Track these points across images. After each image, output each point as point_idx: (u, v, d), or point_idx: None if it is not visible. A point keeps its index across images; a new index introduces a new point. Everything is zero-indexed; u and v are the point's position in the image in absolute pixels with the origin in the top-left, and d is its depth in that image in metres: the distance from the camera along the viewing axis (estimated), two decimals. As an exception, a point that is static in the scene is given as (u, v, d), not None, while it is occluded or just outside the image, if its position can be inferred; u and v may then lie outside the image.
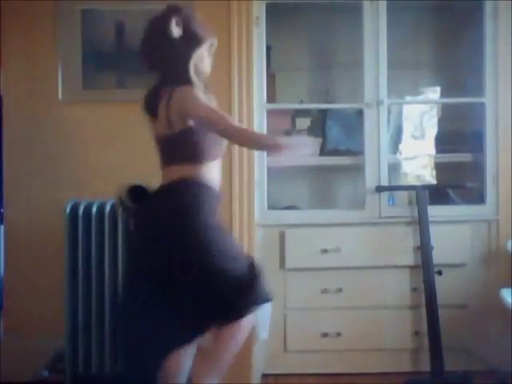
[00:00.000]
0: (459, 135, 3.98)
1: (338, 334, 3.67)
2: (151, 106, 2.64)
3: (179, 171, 2.58)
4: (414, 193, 3.72)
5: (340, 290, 3.68)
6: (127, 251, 3.33)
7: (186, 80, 2.59)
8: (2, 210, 3.80)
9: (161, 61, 2.65)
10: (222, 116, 2.52)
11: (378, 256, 3.68)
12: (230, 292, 2.48)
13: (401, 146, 4.19)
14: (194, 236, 2.51)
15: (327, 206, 4.02)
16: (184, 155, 2.58)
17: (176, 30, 2.60)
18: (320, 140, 3.91)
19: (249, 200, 3.66)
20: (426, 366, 3.59)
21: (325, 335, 3.66)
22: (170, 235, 2.51)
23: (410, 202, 3.84)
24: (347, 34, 4.01)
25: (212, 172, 2.63)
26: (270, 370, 3.60)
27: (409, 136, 4.30)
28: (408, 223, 3.71)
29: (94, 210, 3.45)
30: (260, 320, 2.75)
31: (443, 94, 4.21)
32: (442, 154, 4.02)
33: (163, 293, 2.51)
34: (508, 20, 3.67)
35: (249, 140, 2.60)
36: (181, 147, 2.59)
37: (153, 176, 3.71)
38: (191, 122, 2.55)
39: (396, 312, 3.71)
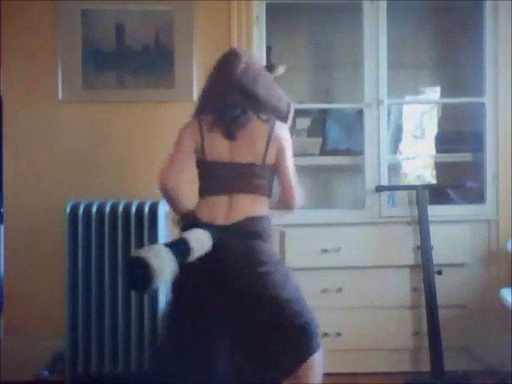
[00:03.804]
0: (459, 135, 3.98)
1: (338, 334, 3.67)
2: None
3: None
4: (414, 193, 3.72)
5: (340, 290, 3.68)
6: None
7: None
8: (2, 210, 3.80)
9: None
10: None
11: (378, 256, 3.68)
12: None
13: (401, 146, 4.19)
14: None
15: (327, 205, 4.01)
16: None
17: None
18: None
19: (249, 200, 3.65)
20: (426, 365, 3.59)
21: (325, 335, 3.65)
22: None
23: (410, 202, 3.84)
24: (347, 34, 4.01)
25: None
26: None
27: (409, 136, 4.30)
28: (408, 223, 3.71)
29: (94, 209, 3.45)
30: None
31: (443, 94, 4.21)
32: (442, 153, 4.01)
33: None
34: (508, 20, 3.67)
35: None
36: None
37: (152, 176, 3.73)
38: None
39: (396, 312, 3.71)
